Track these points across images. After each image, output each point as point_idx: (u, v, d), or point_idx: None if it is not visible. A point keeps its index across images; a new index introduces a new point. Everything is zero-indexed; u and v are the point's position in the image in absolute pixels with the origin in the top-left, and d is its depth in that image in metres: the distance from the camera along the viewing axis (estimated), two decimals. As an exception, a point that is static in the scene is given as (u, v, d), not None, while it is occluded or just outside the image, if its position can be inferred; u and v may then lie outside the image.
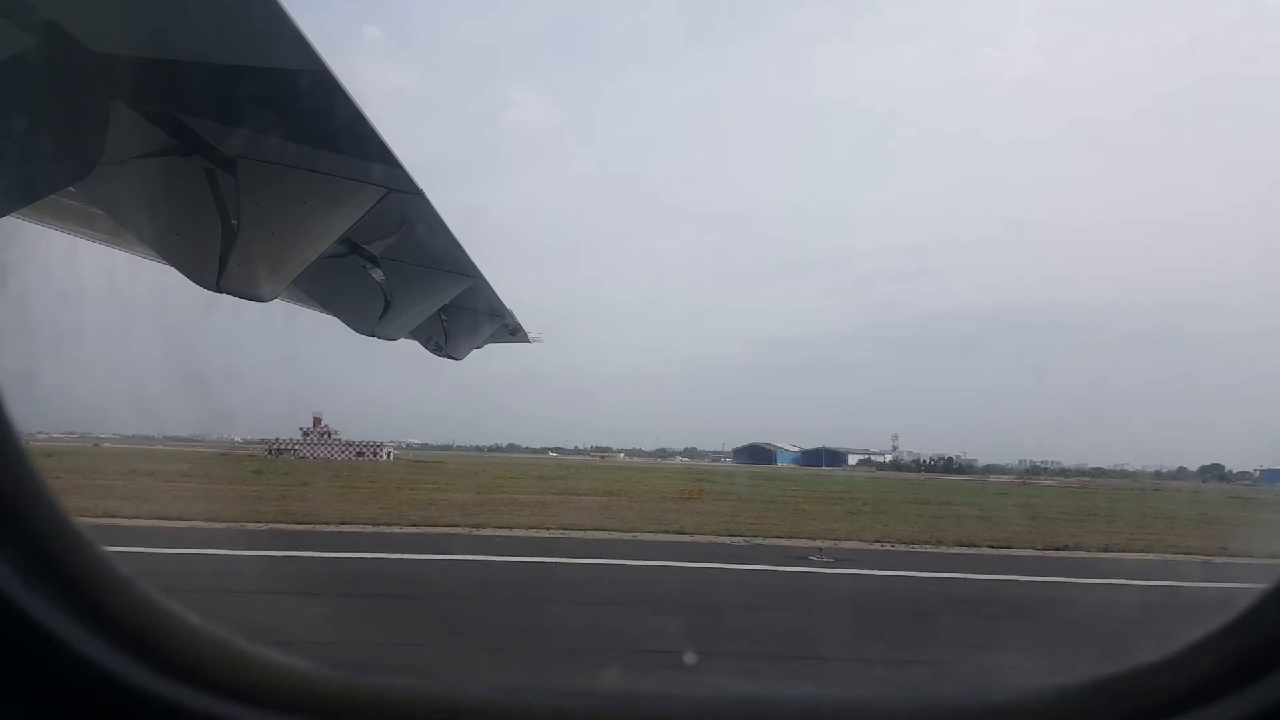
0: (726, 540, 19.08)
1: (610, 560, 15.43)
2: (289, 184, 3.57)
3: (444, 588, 12.62)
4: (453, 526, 19.74)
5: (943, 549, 19.28)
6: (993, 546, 19.77)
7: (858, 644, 9.47)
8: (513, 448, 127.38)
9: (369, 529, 18.95)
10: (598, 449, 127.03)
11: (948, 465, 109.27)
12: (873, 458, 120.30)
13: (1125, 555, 19.11)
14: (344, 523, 19.55)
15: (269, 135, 3.49)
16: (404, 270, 5.10)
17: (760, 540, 19.20)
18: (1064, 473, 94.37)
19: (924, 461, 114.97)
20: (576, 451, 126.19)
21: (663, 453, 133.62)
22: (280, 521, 19.32)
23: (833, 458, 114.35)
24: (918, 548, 19.33)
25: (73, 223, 4.38)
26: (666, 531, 19.98)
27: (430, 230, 4.44)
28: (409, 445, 78.26)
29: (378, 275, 4.82)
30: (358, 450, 64.15)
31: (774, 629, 10.46)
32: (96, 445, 62.82)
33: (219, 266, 3.50)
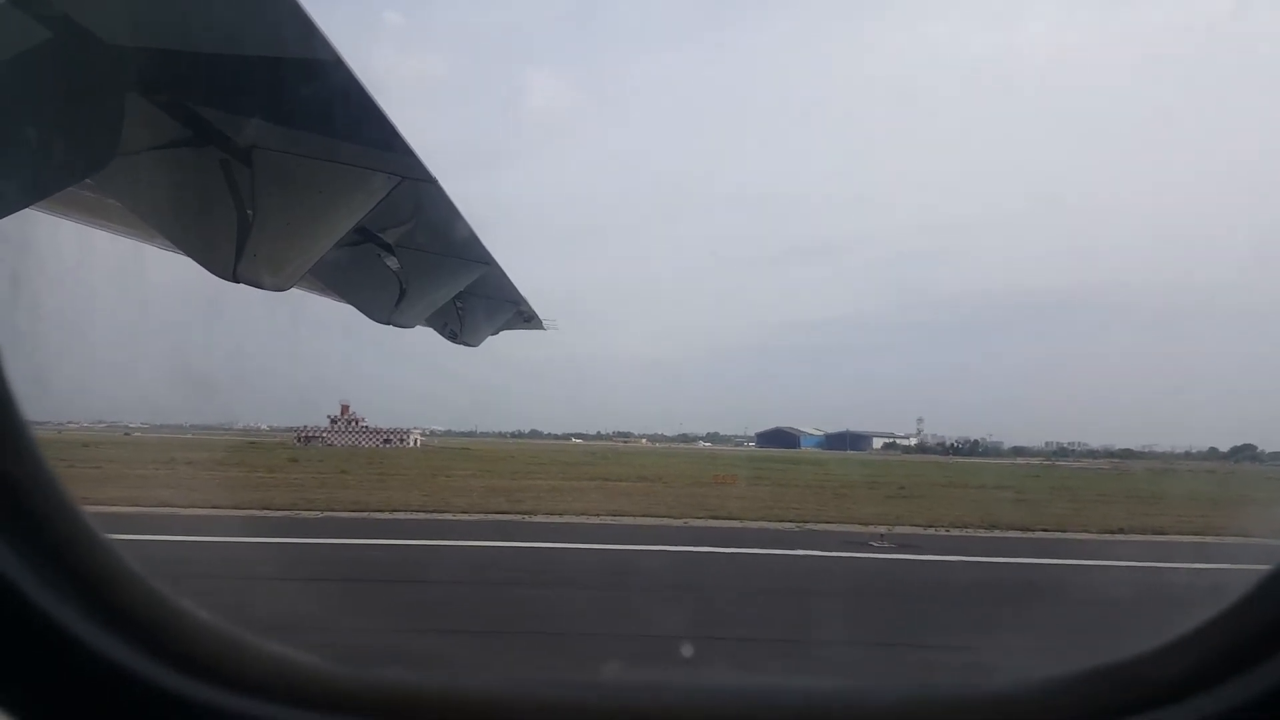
0: (779, 526, 18.92)
1: (682, 547, 15.40)
2: (304, 173, 3.58)
3: (552, 575, 12.68)
4: (503, 513, 19.86)
5: (997, 533, 18.97)
6: (1046, 530, 19.39)
7: (976, 631, 9.22)
8: (534, 433, 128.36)
9: (422, 516, 19.12)
10: (619, 434, 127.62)
11: (973, 448, 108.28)
12: (897, 441, 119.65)
13: (1182, 538, 18.59)
14: (395, 510, 19.82)
15: (283, 125, 3.49)
16: (419, 258, 5.12)
17: (812, 526, 19.07)
18: (1091, 454, 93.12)
19: (949, 444, 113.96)
20: (599, 437, 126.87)
21: (684, 438, 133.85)
22: (335, 509, 19.61)
23: (857, 441, 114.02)
24: (971, 532, 19.01)
25: (90, 215, 4.43)
26: (716, 517, 19.92)
27: (444, 217, 4.45)
28: (432, 431, 79.11)
29: (392, 263, 4.85)
30: (384, 437, 64.96)
31: (891, 617, 10.37)
32: (127, 434, 64.09)
33: (235, 257, 3.52)
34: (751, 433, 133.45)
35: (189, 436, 59.08)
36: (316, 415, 68.57)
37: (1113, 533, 19.15)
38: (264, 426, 79.79)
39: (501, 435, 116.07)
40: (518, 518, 19.28)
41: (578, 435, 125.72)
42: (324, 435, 64.96)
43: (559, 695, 1.61)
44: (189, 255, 3.68)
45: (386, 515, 19.10)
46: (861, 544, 16.00)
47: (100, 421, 66.81)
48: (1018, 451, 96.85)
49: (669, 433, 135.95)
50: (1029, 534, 18.96)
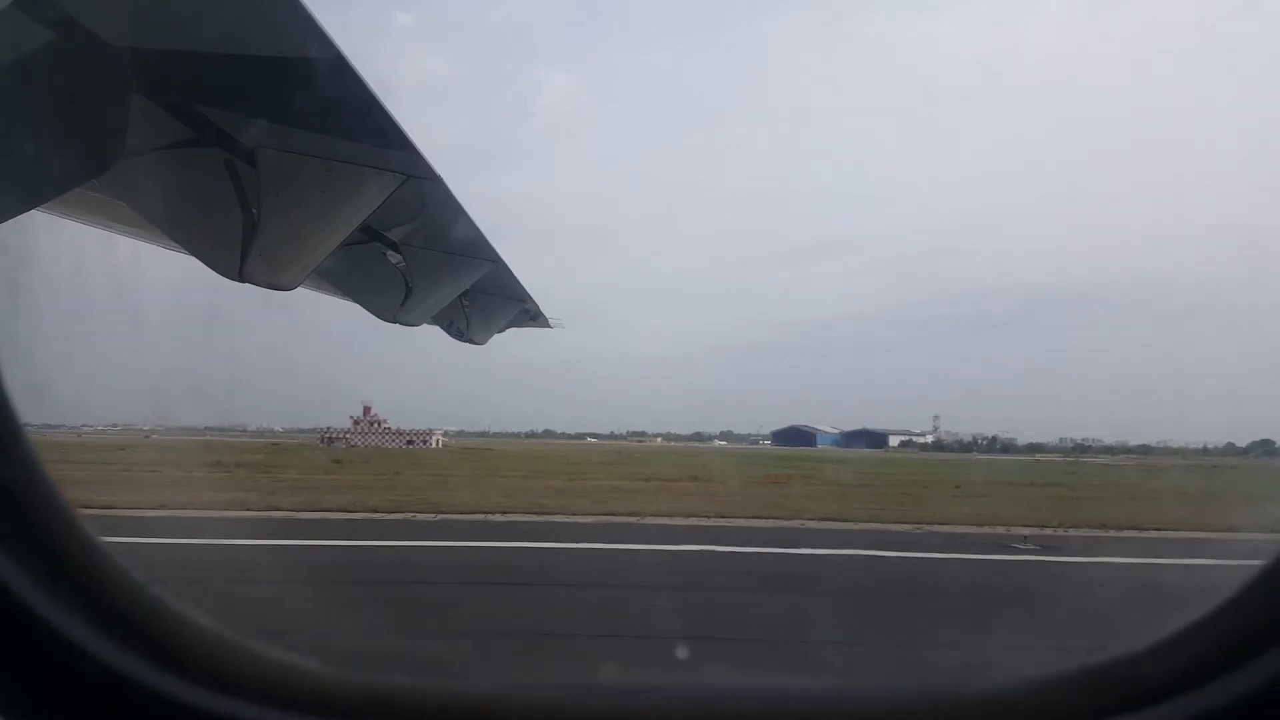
0: (895, 528, 18.27)
1: (836, 551, 14.95)
2: (308, 173, 3.60)
3: (803, 583, 12.38)
4: (611, 514, 19.45)
5: (1112, 533, 18.23)
6: (1159, 529, 18.63)
7: None
8: (548, 433, 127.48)
9: (534, 518, 18.66)
10: (634, 433, 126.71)
11: (992, 444, 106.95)
12: (914, 438, 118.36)
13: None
14: (506, 512, 19.40)
15: (287, 125, 3.51)
16: (424, 256, 5.14)
17: (930, 527, 18.47)
18: (1109, 450, 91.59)
19: (970, 441, 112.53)
20: (612, 436, 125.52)
21: (699, 436, 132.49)
22: (445, 512, 19.27)
23: (874, 439, 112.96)
24: (1085, 532, 18.25)
25: (96, 216, 4.48)
26: (823, 519, 19.30)
27: (449, 216, 4.46)
28: (446, 431, 79.15)
29: (398, 261, 4.86)
30: (407, 438, 64.94)
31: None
32: (147, 437, 64.19)
33: (241, 257, 3.54)
34: (765, 431, 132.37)
35: (207, 439, 59.00)
36: (323, 416, 68.91)
37: (1223, 531, 17.76)
38: (278, 428, 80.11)
39: (515, 435, 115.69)
40: (629, 519, 18.78)
41: (592, 435, 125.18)
42: (347, 436, 65.21)
43: (556, 698, 1.62)
44: (194, 255, 3.71)
45: (500, 518, 18.67)
46: (1003, 546, 15.46)
47: (114, 424, 66.99)
48: (1034, 448, 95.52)
49: (683, 431, 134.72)
50: (1144, 533, 18.15)
